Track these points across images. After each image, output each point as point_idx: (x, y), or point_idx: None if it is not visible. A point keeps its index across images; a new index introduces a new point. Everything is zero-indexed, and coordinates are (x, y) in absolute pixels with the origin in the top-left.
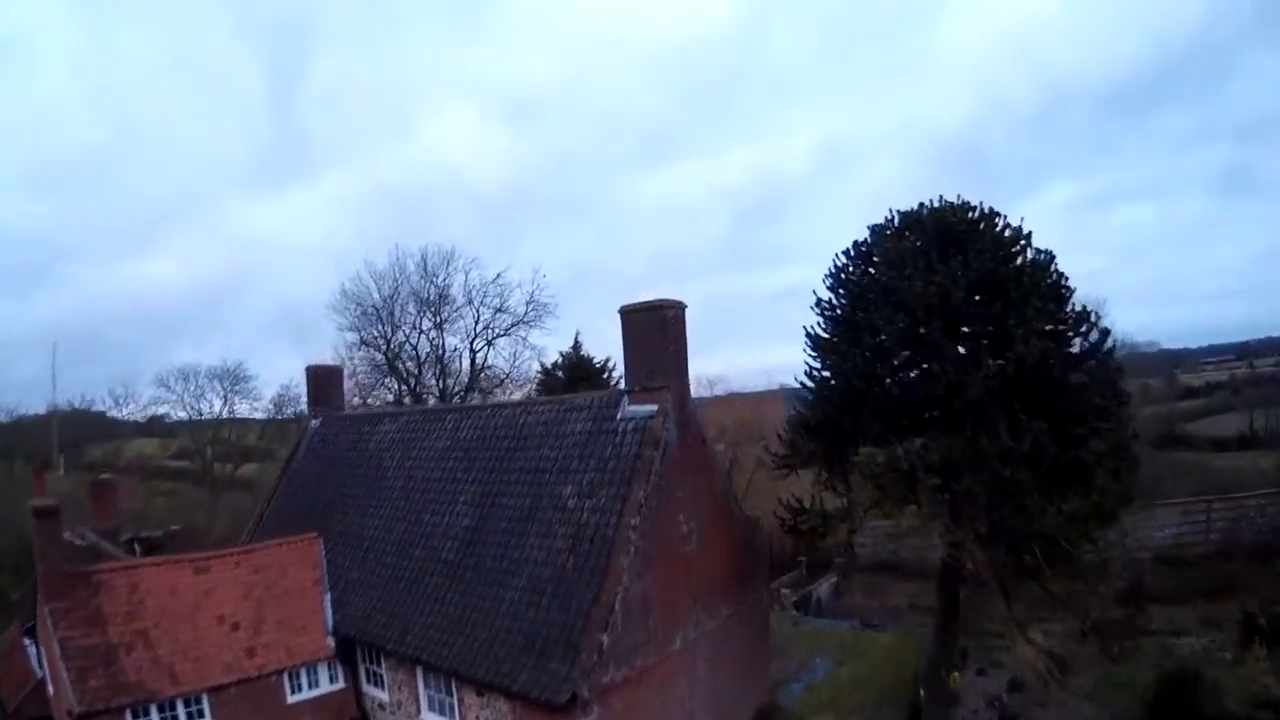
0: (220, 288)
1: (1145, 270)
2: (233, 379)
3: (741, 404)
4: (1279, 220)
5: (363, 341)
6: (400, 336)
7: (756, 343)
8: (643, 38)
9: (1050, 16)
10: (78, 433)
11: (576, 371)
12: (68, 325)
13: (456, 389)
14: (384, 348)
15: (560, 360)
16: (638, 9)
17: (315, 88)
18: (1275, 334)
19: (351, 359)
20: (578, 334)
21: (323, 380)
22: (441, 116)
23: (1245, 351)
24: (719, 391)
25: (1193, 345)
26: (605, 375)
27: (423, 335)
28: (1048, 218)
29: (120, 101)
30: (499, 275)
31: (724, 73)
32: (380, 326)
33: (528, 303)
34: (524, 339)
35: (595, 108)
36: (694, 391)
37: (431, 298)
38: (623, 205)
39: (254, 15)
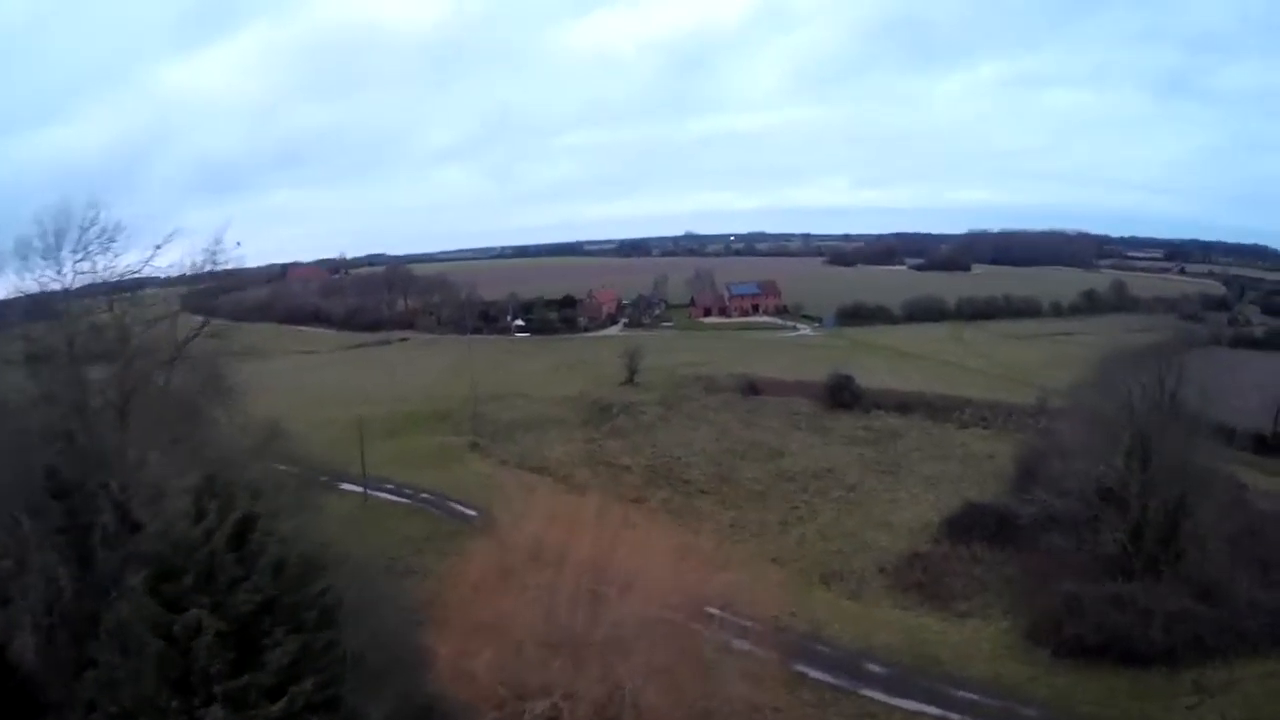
0: (138, 148)
1: (1076, 154)
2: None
3: None
4: (1215, 128)
5: None
6: None
7: (677, 189)
8: None
9: None
10: None
11: None
12: None
13: None
14: None
15: None
16: None
17: None
18: (1201, 237)
19: None
20: None
21: None
22: None
23: (1174, 252)
24: None
25: (1114, 234)
26: None
27: None
28: (979, 92)
29: None
30: (158, 249)
31: None
32: None
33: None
34: None
35: None
36: None
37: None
38: (554, 54)
39: None
